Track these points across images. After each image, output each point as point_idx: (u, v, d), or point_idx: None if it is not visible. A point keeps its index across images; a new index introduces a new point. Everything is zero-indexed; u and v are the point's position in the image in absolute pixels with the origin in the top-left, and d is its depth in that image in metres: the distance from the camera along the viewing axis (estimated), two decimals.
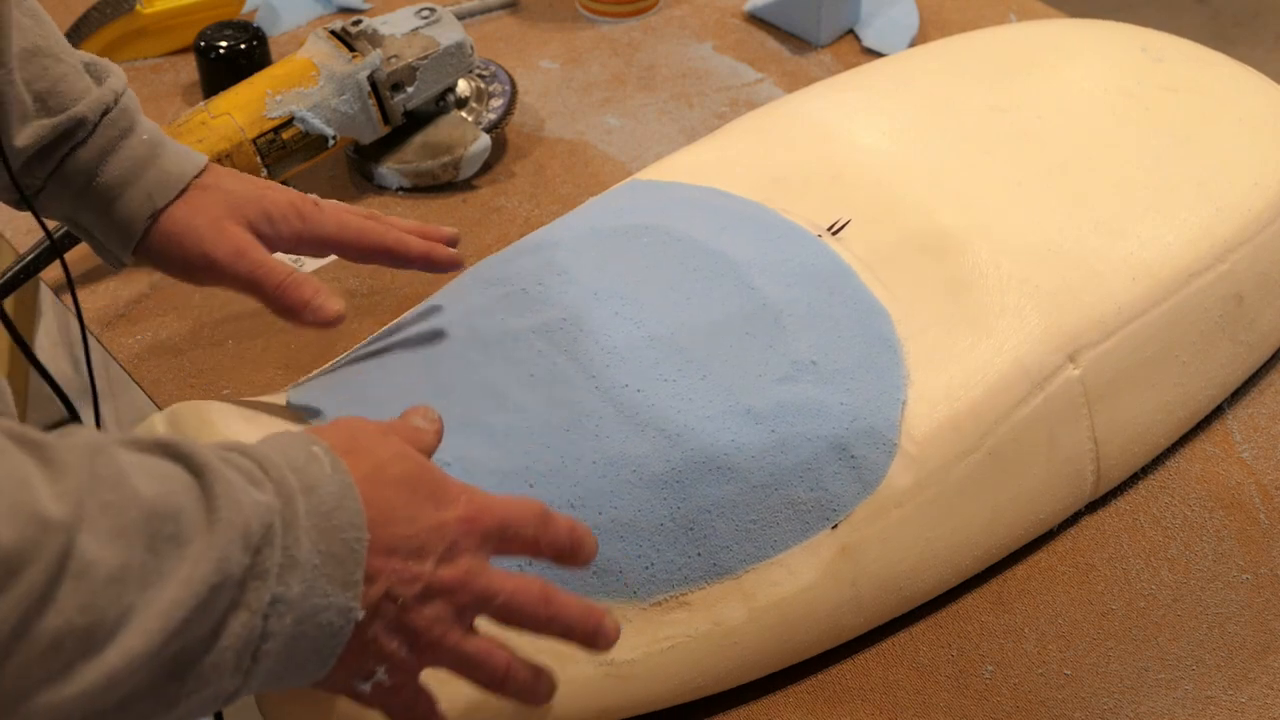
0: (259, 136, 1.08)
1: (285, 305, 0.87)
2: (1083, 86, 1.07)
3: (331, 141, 1.11)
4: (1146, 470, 0.96)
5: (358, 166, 1.19)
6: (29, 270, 1.07)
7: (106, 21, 1.29)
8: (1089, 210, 0.97)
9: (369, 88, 1.12)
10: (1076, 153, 1.01)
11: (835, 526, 0.83)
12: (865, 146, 1.02)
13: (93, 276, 1.11)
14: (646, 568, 0.81)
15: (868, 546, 0.84)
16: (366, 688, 0.65)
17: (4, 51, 0.82)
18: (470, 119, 1.19)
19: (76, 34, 1.29)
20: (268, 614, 0.59)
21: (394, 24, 1.16)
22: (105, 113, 0.86)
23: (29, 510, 0.52)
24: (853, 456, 0.84)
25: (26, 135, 0.84)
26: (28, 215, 1.15)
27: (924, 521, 0.85)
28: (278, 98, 1.09)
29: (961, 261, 0.93)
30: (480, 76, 1.22)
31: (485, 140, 1.17)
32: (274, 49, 1.26)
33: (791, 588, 0.82)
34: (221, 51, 1.20)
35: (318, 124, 1.10)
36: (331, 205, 0.90)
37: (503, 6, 1.38)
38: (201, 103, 1.10)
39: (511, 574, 0.68)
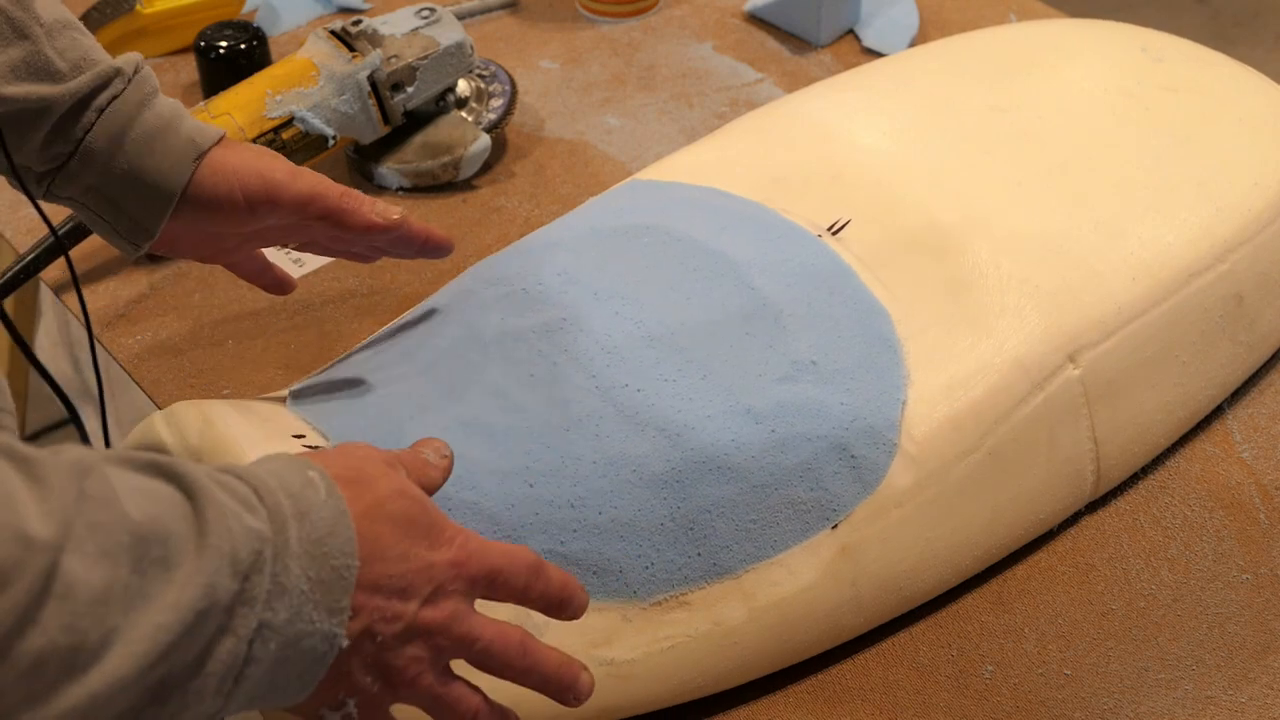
0: (259, 136, 1.08)
1: (350, 208, 0.88)
2: (1083, 86, 1.07)
3: (331, 141, 1.11)
4: (1146, 470, 0.96)
5: (358, 166, 1.19)
6: (29, 270, 1.07)
7: (106, 21, 1.29)
8: (1089, 210, 0.97)
9: (369, 88, 1.12)
10: (1076, 153, 1.01)
11: (835, 526, 0.83)
12: (865, 146, 1.02)
13: (93, 276, 1.11)
14: (646, 567, 0.81)
15: (868, 546, 0.84)
16: (335, 717, 0.65)
17: (29, 23, 0.83)
18: (470, 119, 1.19)
19: None
20: (253, 639, 0.59)
21: (394, 24, 1.16)
22: (137, 70, 0.86)
23: (13, 529, 0.52)
24: (853, 456, 0.84)
25: (63, 89, 0.83)
26: (28, 215, 1.15)
27: (924, 521, 0.85)
28: (278, 98, 1.09)
29: (961, 261, 0.93)
30: (480, 76, 1.22)
31: (485, 140, 1.17)
32: (274, 49, 1.26)
33: (791, 588, 0.82)
34: (221, 51, 1.20)
35: (318, 124, 1.10)
36: None
37: (503, 6, 1.38)
38: (201, 103, 1.10)
39: (493, 621, 0.68)
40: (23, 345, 1.03)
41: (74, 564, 0.53)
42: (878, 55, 1.29)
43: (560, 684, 0.70)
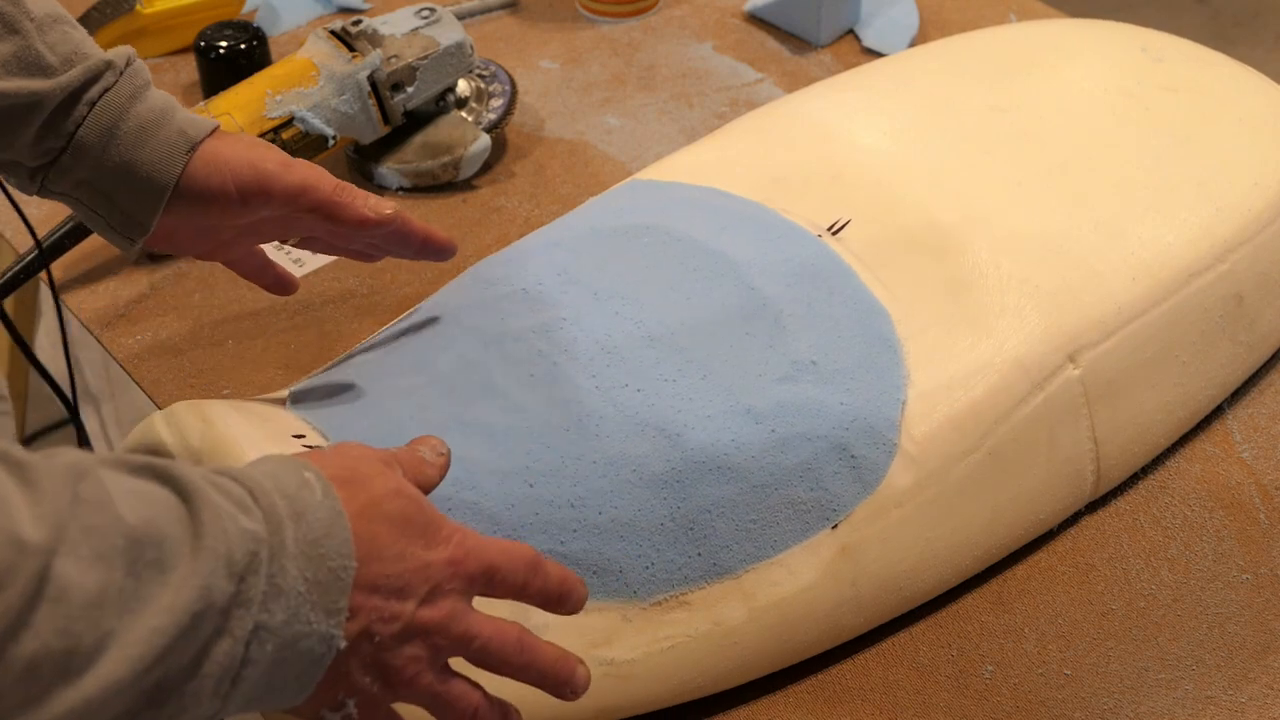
0: (259, 136, 1.08)
1: (344, 203, 0.87)
2: (1083, 86, 1.07)
3: (331, 141, 1.11)
4: (1146, 470, 0.96)
5: (358, 166, 1.19)
6: (29, 270, 1.07)
7: (106, 21, 1.29)
8: (1089, 210, 0.97)
9: (369, 88, 1.12)
10: (1076, 153, 1.01)
11: (835, 526, 0.83)
12: (865, 146, 1.02)
13: (93, 276, 1.11)
14: (646, 567, 0.81)
15: (868, 546, 0.84)
16: (336, 718, 0.65)
17: (19, 18, 0.82)
18: (470, 119, 1.19)
19: None
20: (250, 641, 0.59)
21: (394, 24, 1.16)
22: (129, 63, 0.86)
23: (6, 533, 0.52)
24: (853, 456, 0.84)
25: (55, 83, 0.83)
26: (28, 215, 1.15)
27: (924, 521, 0.85)
28: (278, 98, 1.09)
29: (961, 261, 0.93)
30: (480, 76, 1.22)
31: (485, 140, 1.17)
32: (274, 49, 1.26)
33: (791, 588, 0.82)
34: (221, 51, 1.20)
35: (318, 124, 1.10)
36: None
37: (503, 6, 1.38)
38: (202, 103, 1.11)
39: (491, 618, 0.68)
40: (23, 345, 1.03)
41: (68, 567, 0.53)
42: (878, 55, 1.29)
43: (557, 679, 0.69)
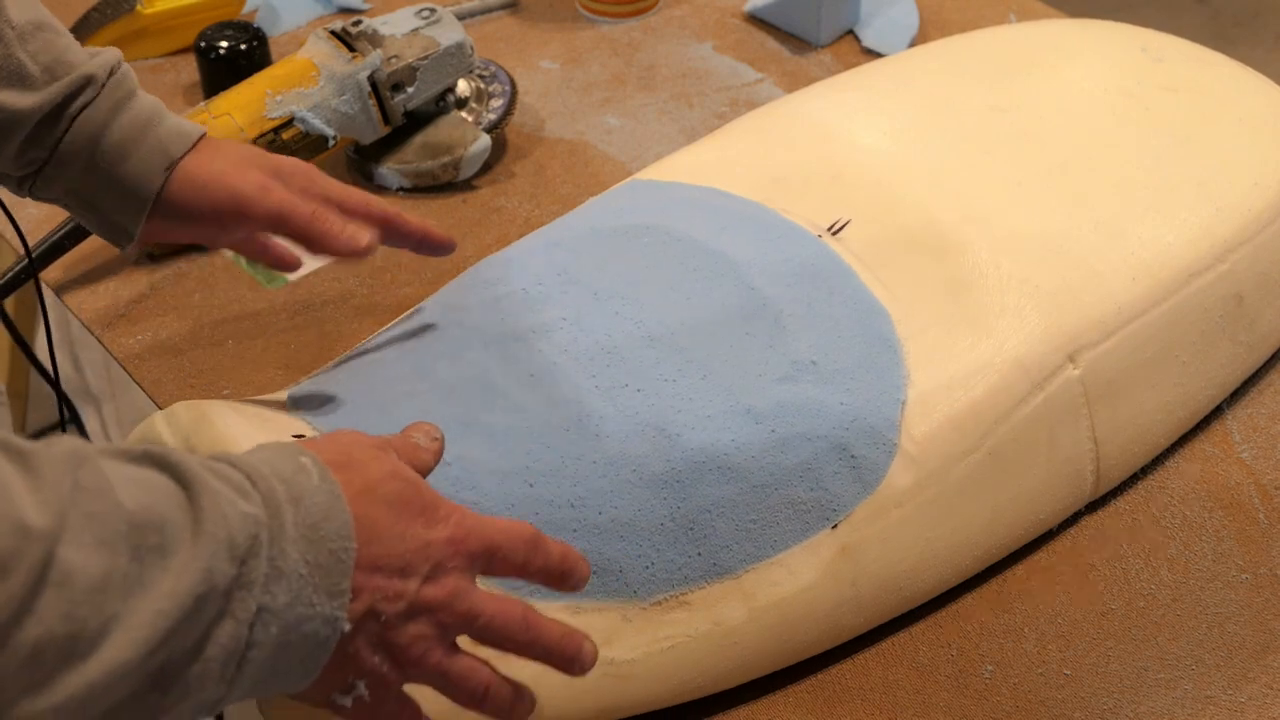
0: (259, 137, 1.08)
1: (319, 233, 0.86)
2: (1083, 86, 1.07)
3: (332, 142, 1.11)
4: (1146, 470, 0.96)
5: (358, 166, 1.19)
6: (29, 270, 1.07)
7: (107, 21, 1.29)
8: (1089, 210, 0.97)
9: (369, 88, 1.12)
10: (1076, 153, 1.01)
11: (835, 526, 0.83)
12: (865, 146, 1.02)
13: (93, 276, 1.11)
14: (646, 567, 0.81)
15: (868, 546, 0.84)
16: (347, 701, 0.65)
17: (1, 24, 0.83)
18: (470, 119, 1.19)
19: (77, 34, 1.28)
20: (253, 623, 0.59)
21: (394, 24, 1.16)
22: (111, 73, 0.86)
23: (9, 519, 0.52)
24: (853, 456, 0.84)
25: (36, 99, 0.83)
26: (28, 215, 1.15)
27: (924, 521, 0.85)
28: (278, 98, 1.09)
29: (961, 261, 0.93)
30: (480, 76, 1.22)
31: (485, 140, 1.17)
32: (274, 49, 1.26)
33: (791, 588, 0.82)
34: (222, 52, 1.20)
35: (318, 124, 1.10)
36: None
37: (503, 6, 1.38)
38: (202, 103, 1.11)
39: (495, 595, 0.68)
40: (23, 345, 1.03)
41: (70, 553, 0.54)
42: (878, 55, 1.29)
43: (564, 655, 0.69)
